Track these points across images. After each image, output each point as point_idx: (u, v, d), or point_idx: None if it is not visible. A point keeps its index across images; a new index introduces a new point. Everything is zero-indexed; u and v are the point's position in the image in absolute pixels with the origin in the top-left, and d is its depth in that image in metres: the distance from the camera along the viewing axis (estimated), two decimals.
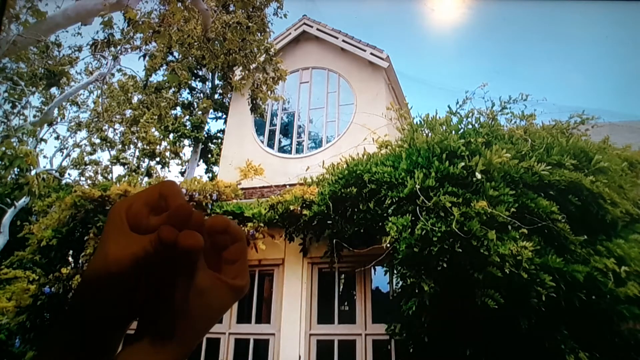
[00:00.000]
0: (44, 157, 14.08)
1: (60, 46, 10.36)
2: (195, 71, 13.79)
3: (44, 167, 12.68)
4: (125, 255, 0.36)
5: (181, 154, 15.95)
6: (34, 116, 11.84)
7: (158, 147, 15.14)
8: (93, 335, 0.38)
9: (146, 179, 15.50)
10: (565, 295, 3.68)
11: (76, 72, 12.39)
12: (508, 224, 3.89)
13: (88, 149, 15.25)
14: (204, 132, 14.05)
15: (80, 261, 5.91)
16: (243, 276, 0.42)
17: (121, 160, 15.24)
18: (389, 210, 4.28)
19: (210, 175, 15.35)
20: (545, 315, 3.64)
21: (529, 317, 3.64)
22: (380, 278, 5.46)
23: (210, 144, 15.18)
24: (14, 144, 5.14)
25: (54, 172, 12.49)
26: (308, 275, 5.51)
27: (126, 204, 0.39)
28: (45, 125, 12.89)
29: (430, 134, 4.80)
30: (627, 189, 4.62)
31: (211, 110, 14.57)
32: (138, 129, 12.90)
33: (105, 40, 6.44)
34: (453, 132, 4.70)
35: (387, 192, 4.38)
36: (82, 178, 15.43)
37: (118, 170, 19.72)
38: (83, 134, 14.71)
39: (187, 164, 15.14)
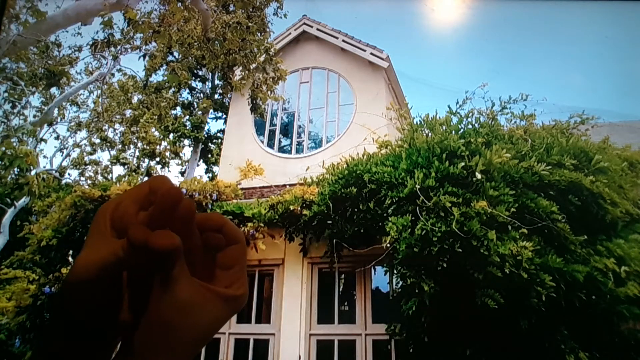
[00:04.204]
0: (44, 157, 14.07)
1: (60, 46, 10.35)
2: (195, 71, 13.78)
3: (44, 167, 12.68)
4: (93, 261, 0.32)
5: (181, 154, 15.95)
6: (34, 116, 11.83)
7: (158, 147, 15.13)
8: (73, 349, 0.34)
9: (146, 179, 15.47)
10: (565, 295, 3.68)
11: (76, 72, 12.38)
12: (508, 224, 3.89)
13: (88, 149, 15.25)
14: (204, 132, 14.05)
15: None
16: (239, 285, 0.36)
17: (121, 160, 15.24)
18: (389, 210, 4.28)
19: (210, 175, 15.35)
20: (545, 315, 3.64)
21: (529, 317, 3.65)
22: (380, 278, 5.46)
23: (210, 144, 15.17)
24: (14, 144, 5.15)
25: (54, 172, 12.49)
26: (308, 275, 5.51)
27: (113, 204, 0.35)
28: (45, 125, 12.89)
29: (430, 134, 4.80)
30: (627, 189, 4.62)
31: (211, 110, 14.56)
32: (138, 129, 12.90)
33: (105, 40, 6.43)
34: (453, 132, 4.70)
35: (387, 192, 4.38)
36: (82, 178, 15.43)
37: (118, 170, 19.70)
38: (83, 134, 14.71)
39: (187, 164, 15.14)
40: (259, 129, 9.43)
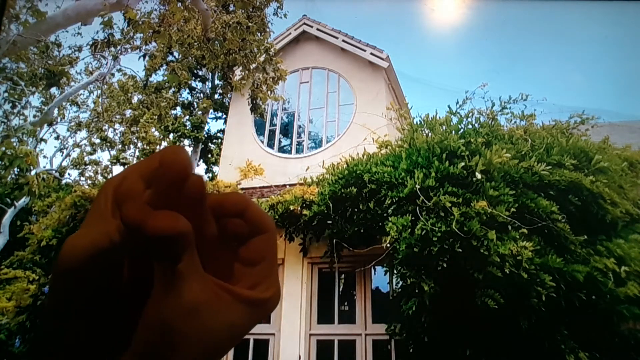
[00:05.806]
0: (44, 157, 14.06)
1: (60, 46, 10.36)
2: (195, 71, 13.79)
3: (44, 167, 12.68)
4: (83, 245, 0.26)
5: None
6: (34, 116, 11.83)
7: (158, 147, 15.12)
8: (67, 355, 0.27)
9: None
10: (565, 295, 3.68)
11: (76, 72, 12.38)
12: (508, 224, 3.89)
13: (88, 149, 15.26)
14: (204, 132, 14.06)
15: None
16: (268, 286, 0.29)
17: (121, 160, 15.23)
18: (389, 210, 4.28)
19: (210, 175, 15.35)
20: (545, 315, 3.64)
21: (529, 317, 3.65)
22: (380, 278, 5.46)
23: (210, 144, 15.18)
24: (14, 144, 5.15)
25: (54, 172, 12.49)
26: (308, 275, 5.51)
27: (118, 178, 0.28)
28: (45, 125, 12.89)
29: (430, 134, 4.80)
30: (627, 189, 4.62)
31: (211, 110, 14.58)
32: (138, 129, 12.89)
33: (105, 40, 6.43)
34: (453, 132, 4.70)
35: (387, 192, 4.38)
36: (82, 178, 15.43)
37: (118, 170, 19.70)
38: (83, 134, 14.71)
39: None
40: (259, 129, 9.43)
